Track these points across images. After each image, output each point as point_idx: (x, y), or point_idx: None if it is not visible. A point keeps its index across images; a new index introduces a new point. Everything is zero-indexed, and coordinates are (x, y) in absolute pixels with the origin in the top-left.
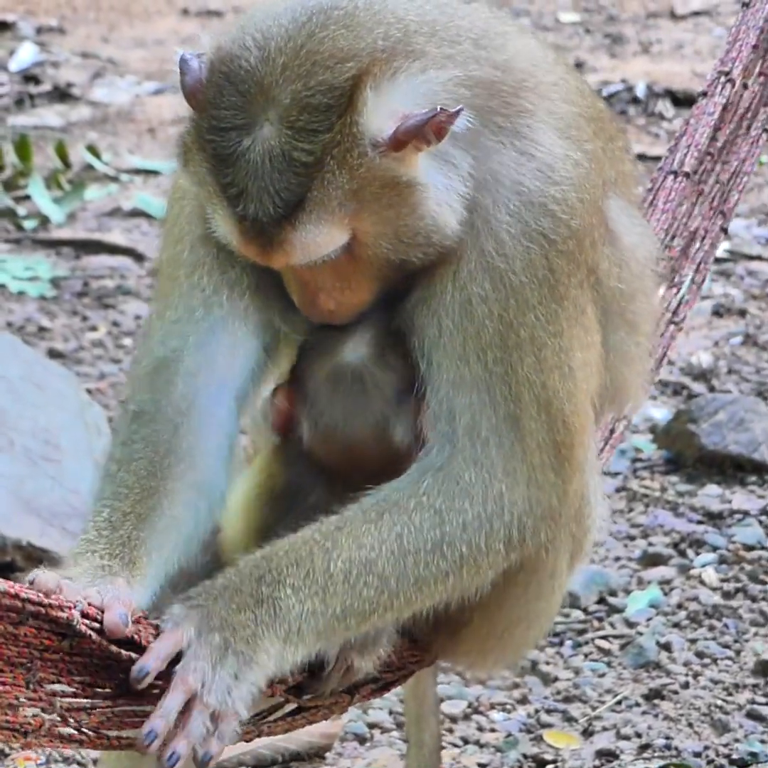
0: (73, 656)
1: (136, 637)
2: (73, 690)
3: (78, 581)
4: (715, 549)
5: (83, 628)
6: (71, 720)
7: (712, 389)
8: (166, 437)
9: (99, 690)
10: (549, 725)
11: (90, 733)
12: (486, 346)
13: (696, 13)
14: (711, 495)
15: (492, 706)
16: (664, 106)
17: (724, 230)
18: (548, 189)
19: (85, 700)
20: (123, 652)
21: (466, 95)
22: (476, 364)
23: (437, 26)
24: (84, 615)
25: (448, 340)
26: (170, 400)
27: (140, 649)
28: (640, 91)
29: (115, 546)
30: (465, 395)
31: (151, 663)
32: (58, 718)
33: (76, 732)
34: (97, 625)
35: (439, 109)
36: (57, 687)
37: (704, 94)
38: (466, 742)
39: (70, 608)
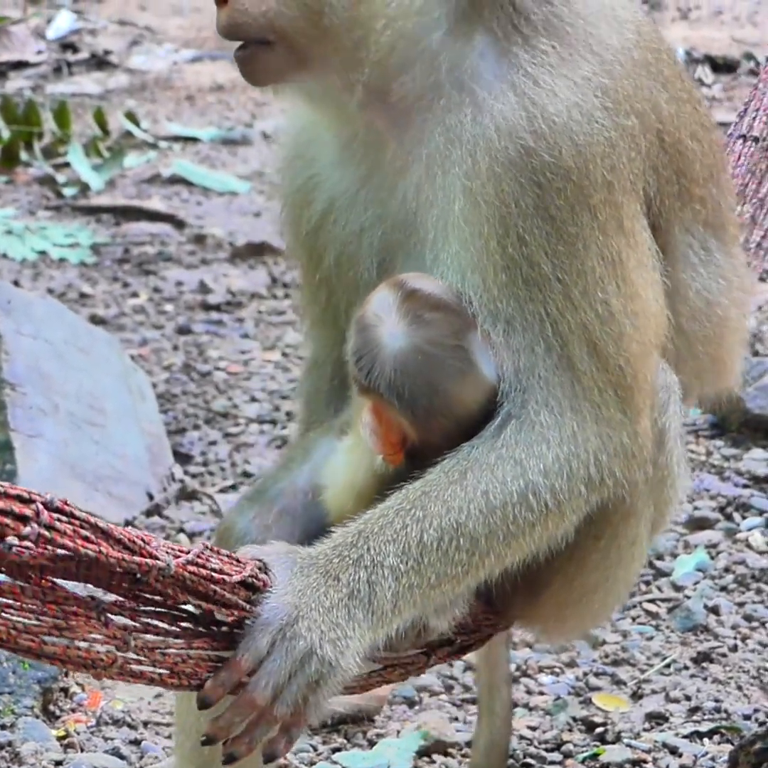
0: (152, 593)
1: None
2: (146, 625)
3: None
4: (761, 513)
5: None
6: (145, 659)
7: (756, 353)
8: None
9: (172, 629)
10: (597, 688)
11: (164, 671)
12: (510, 281)
13: None
14: (756, 459)
15: (540, 670)
16: (704, 72)
17: None
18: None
19: (160, 639)
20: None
21: None
22: (509, 300)
23: None
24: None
25: (462, 248)
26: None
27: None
28: (679, 57)
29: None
30: (516, 334)
31: (214, 695)
32: (133, 655)
33: (148, 670)
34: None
35: None
36: (130, 623)
37: None
38: (515, 705)
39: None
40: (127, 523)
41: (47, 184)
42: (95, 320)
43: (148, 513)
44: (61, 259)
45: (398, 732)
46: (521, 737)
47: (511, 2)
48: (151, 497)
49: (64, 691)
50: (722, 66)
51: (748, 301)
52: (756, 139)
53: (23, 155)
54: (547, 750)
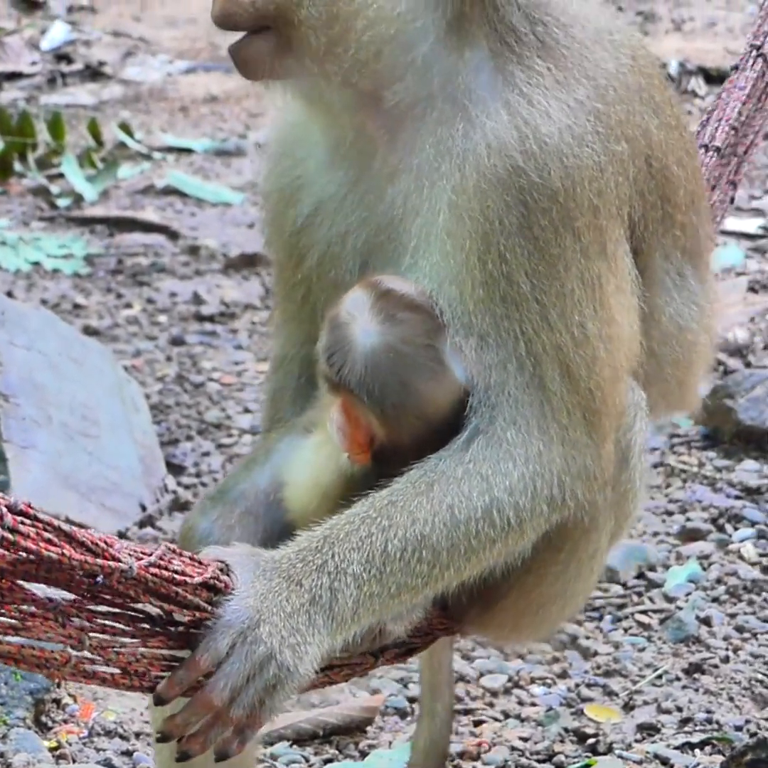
0: (113, 595)
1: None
2: (102, 626)
3: None
4: (753, 524)
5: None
6: (98, 658)
7: (748, 365)
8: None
9: (129, 629)
10: (589, 699)
11: (116, 671)
12: (487, 297)
13: None
14: (748, 470)
15: (532, 681)
16: (697, 84)
17: (732, 200)
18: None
19: (115, 638)
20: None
21: None
22: (484, 316)
23: None
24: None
25: (445, 262)
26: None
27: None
28: (672, 69)
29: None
30: (489, 350)
31: (170, 692)
32: (87, 655)
33: (100, 670)
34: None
35: None
36: (86, 623)
37: (736, 68)
38: (507, 716)
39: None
40: (120, 535)
41: (41, 195)
42: (89, 331)
43: (141, 524)
44: (54, 270)
45: (390, 743)
46: (513, 748)
47: (500, 19)
48: (144, 508)
49: (57, 702)
50: (716, 77)
51: (716, 327)
52: (718, 150)
53: (17, 166)
54: (538, 761)
